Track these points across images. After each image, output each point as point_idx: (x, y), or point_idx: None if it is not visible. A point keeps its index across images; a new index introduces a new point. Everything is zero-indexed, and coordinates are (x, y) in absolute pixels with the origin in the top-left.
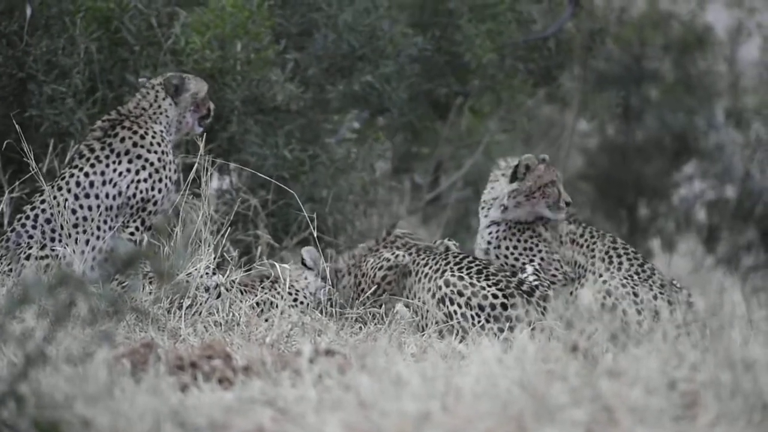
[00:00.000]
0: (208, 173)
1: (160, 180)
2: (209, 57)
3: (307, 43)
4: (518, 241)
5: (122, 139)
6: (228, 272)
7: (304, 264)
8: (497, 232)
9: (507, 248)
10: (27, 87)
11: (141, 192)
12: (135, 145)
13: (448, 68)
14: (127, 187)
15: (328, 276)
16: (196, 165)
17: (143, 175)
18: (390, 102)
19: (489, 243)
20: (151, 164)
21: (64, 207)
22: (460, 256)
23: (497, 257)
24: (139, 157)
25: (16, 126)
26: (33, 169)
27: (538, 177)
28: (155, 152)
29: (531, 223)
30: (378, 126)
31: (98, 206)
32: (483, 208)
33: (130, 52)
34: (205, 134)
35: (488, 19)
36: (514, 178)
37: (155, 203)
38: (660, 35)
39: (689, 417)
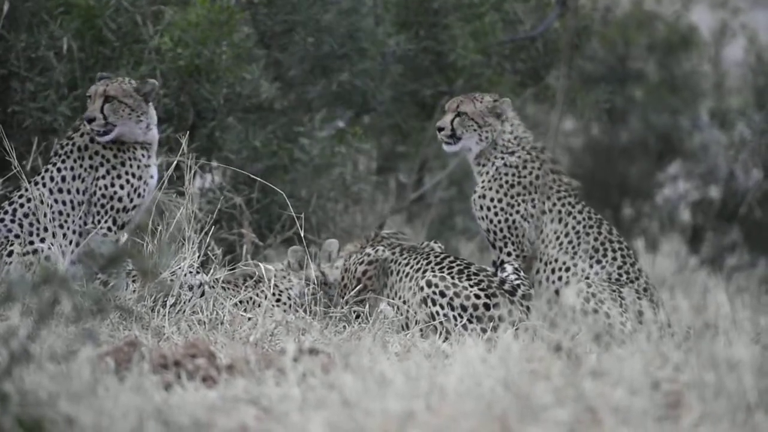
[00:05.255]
0: (192, 171)
1: (119, 176)
2: (183, 55)
3: (288, 44)
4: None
5: (81, 134)
6: (212, 271)
7: (289, 265)
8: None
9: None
10: (9, 84)
11: (101, 189)
12: (92, 140)
13: (434, 68)
14: (91, 183)
15: (313, 277)
16: (175, 163)
17: (101, 171)
18: (374, 100)
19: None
20: (108, 160)
21: (41, 202)
22: (442, 256)
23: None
24: (96, 153)
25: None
26: (15, 168)
27: None
28: (110, 149)
29: (522, 178)
30: (364, 125)
31: (71, 201)
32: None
33: (112, 49)
34: (188, 132)
35: (473, 18)
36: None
37: (120, 200)
38: (644, 35)
39: (673, 417)
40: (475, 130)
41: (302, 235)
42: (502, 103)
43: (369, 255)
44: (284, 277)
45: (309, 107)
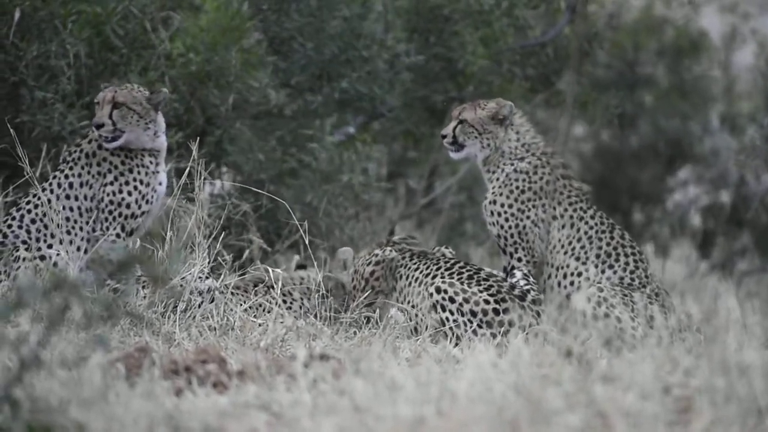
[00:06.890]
0: (202, 177)
1: (127, 183)
2: (195, 61)
3: (291, 51)
4: (521, 193)
5: (89, 141)
6: (222, 276)
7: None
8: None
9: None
10: (19, 92)
11: (108, 195)
12: (100, 147)
13: (445, 74)
14: (99, 189)
15: (321, 281)
16: (187, 170)
17: (109, 178)
18: (382, 106)
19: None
20: (116, 167)
21: (49, 208)
22: (452, 261)
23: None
24: (104, 159)
25: (11, 130)
26: (27, 173)
27: None
28: (118, 155)
29: (532, 183)
30: (375, 131)
31: (79, 208)
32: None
33: (120, 56)
34: (198, 138)
35: (484, 25)
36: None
37: (128, 206)
38: (654, 40)
39: (683, 422)
40: (476, 137)
41: (307, 241)
42: (502, 108)
43: (376, 255)
44: (295, 284)
45: (316, 114)
